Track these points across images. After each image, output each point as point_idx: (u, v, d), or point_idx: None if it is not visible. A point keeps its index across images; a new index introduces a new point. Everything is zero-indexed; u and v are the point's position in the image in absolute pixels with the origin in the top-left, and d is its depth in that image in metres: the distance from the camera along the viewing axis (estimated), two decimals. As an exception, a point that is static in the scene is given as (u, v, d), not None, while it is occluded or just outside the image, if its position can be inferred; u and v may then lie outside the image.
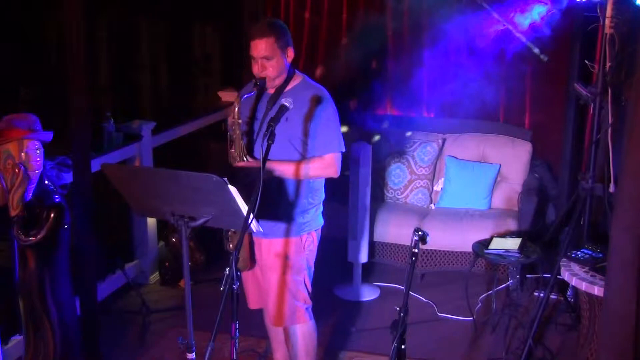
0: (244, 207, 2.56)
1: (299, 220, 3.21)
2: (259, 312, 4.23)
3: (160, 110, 5.67)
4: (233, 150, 3.08)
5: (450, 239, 4.77)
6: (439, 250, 4.83)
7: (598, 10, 3.96)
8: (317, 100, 3.13)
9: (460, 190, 5.12)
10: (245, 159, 3.06)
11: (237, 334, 2.65)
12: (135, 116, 4.96)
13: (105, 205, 4.15)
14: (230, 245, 3.12)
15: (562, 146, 4.94)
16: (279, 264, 3.21)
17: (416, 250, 2.85)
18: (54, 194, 3.25)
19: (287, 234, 3.19)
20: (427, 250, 4.80)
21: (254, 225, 2.60)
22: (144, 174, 2.89)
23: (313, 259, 3.33)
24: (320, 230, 3.34)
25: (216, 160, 5.58)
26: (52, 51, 4.56)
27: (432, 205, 5.21)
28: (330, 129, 3.16)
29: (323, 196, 3.33)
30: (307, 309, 3.32)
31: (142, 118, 4.93)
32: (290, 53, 3.14)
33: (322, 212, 3.34)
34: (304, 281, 3.29)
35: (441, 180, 5.26)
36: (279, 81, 3.15)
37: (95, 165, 3.92)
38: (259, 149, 3.13)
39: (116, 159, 4.50)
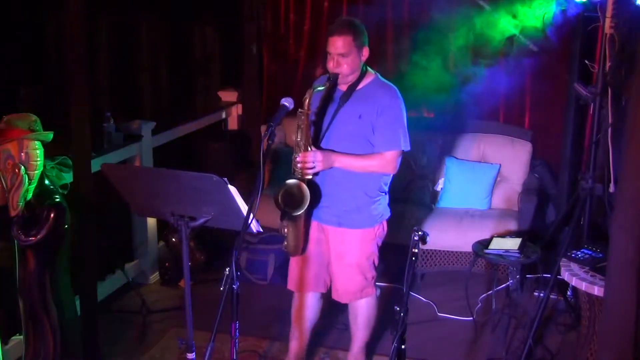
0: (244, 207, 2.56)
1: (373, 213, 3.37)
2: (259, 312, 4.24)
3: (160, 110, 5.66)
4: (299, 139, 3.16)
5: (450, 239, 4.77)
6: (439, 250, 4.82)
7: (598, 10, 3.96)
8: (386, 99, 3.26)
9: (460, 190, 5.11)
10: (310, 148, 3.16)
11: (237, 334, 2.65)
12: (135, 116, 4.96)
13: (105, 205, 4.15)
14: (285, 230, 3.27)
15: (562, 146, 4.94)
16: (354, 252, 3.38)
17: (416, 250, 2.85)
18: (54, 194, 3.24)
19: (362, 225, 3.37)
20: (427, 250, 4.80)
21: (253, 225, 2.60)
22: (144, 174, 2.89)
23: (382, 239, 3.51)
24: (388, 219, 3.51)
25: (216, 160, 5.58)
26: (52, 51, 4.55)
27: (432, 205, 5.21)
28: (394, 127, 3.26)
29: (388, 187, 3.48)
30: (374, 282, 3.51)
31: (142, 118, 4.94)
32: (365, 52, 3.25)
33: None
34: (374, 261, 3.47)
35: (441, 180, 5.26)
36: (352, 78, 3.25)
37: (95, 165, 3.92)
38: (324, 144, 3.29)
39: (116, 159, 4.50)
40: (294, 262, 3.53)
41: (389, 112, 3.23)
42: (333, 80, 3.19)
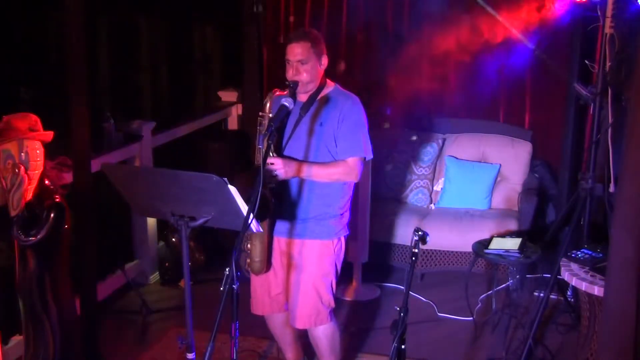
0: (244, 207, 2.56)
1: (332, 224, 3.27)
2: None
3: (160, 110, 5.67)
4: (260, 147, 3.06)
5: (450, 239, 4.77)
6: (439, 250, 4.82)
7: (598, 10, 3.97)
8: (347, 105, 3.20)
9: (460, 190, 5.12)
10: (271, 154, 3.09)
11: (237, 334, 2.65)
12: (135, 116, 4.96)
13: (105, 205, 4.15)
14: (248, 245, 3.18)
15: (562, 146, 4.94)
16: (310, 265, 3.26)
17: (416, 250, 2.85)
18: (54, 194, 3.24)
19: (321, 236, 3.25)
20: (427, 250, 4.80)
21: (253, 225, 2.60)
22: (144, 174, 2.89)
23: (340, 263, 3.37)
24: (346, 238, 3.38)
25: (216, 160, 5.58)
26: (52, 51, 4.56)
27: (432, 205, 5.21)
28: (355, 134, 3.21)
29: (349, 204, 3.36)
30: (330, 311, 3.36)
31: (142, 118, 4.94)
32: (325, 61, 3.20)
33: None
34: (331, 284, 3.33)
35: (441, 180, 5.26)
36: (311, 86, 3.19)
37: (95, 165, 3.92)
38: (287, 152, 3.21)
39: (116, 159, 4.50)
40: (256, 282, 3.37)
41: (350, 118, 3.18)
42: (293, 88, 3.10)
